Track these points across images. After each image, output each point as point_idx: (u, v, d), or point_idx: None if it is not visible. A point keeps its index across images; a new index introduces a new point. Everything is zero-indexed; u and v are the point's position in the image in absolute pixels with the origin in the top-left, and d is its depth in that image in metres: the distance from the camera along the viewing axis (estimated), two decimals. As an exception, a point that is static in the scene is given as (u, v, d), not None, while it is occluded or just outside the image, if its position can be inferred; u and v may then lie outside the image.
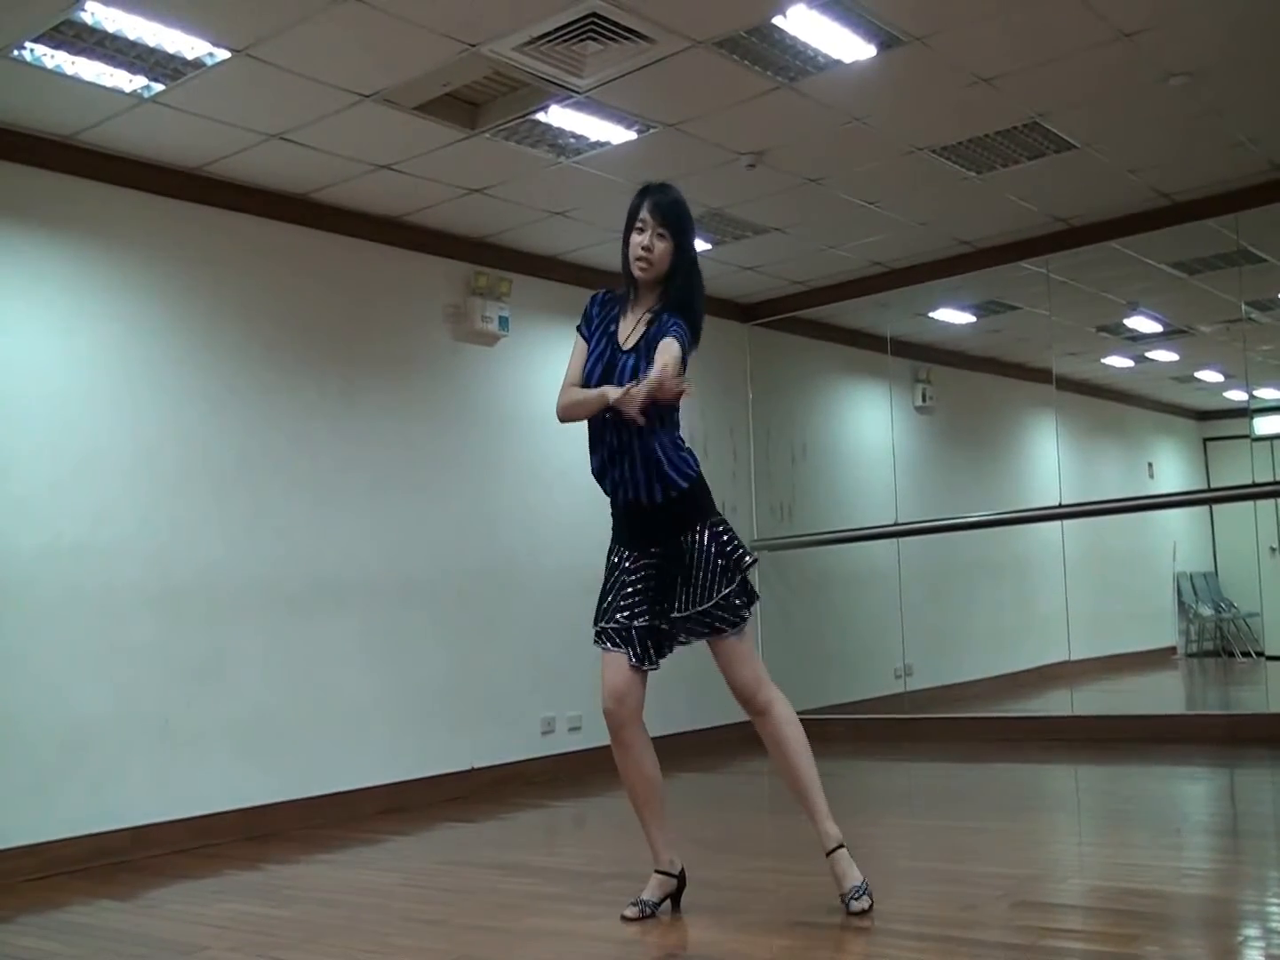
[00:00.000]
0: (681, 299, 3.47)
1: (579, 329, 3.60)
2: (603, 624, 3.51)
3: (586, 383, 3.49)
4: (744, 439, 8.38)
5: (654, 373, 3.15)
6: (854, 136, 5.50)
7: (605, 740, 6.86)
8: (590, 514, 6.90)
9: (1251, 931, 3.19)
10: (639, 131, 5.33)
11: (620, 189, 5.93)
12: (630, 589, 3.47)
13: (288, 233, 5.85)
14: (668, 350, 3.28)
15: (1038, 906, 3.45)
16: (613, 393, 3.33)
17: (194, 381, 5.43)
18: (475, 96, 5.00)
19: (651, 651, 3.49)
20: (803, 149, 5.65)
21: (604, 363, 3.47)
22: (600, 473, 3.51)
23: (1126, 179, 6.26)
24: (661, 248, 3.43)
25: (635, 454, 3.42)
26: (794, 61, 4.73)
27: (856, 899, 3.33)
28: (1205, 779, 5.88)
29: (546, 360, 7.03)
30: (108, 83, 4.58)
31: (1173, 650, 10.74)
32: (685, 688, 7.14)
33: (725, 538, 3.46)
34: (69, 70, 4.47)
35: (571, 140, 5.39)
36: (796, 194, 6.22)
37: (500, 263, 6.76)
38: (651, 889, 3.53)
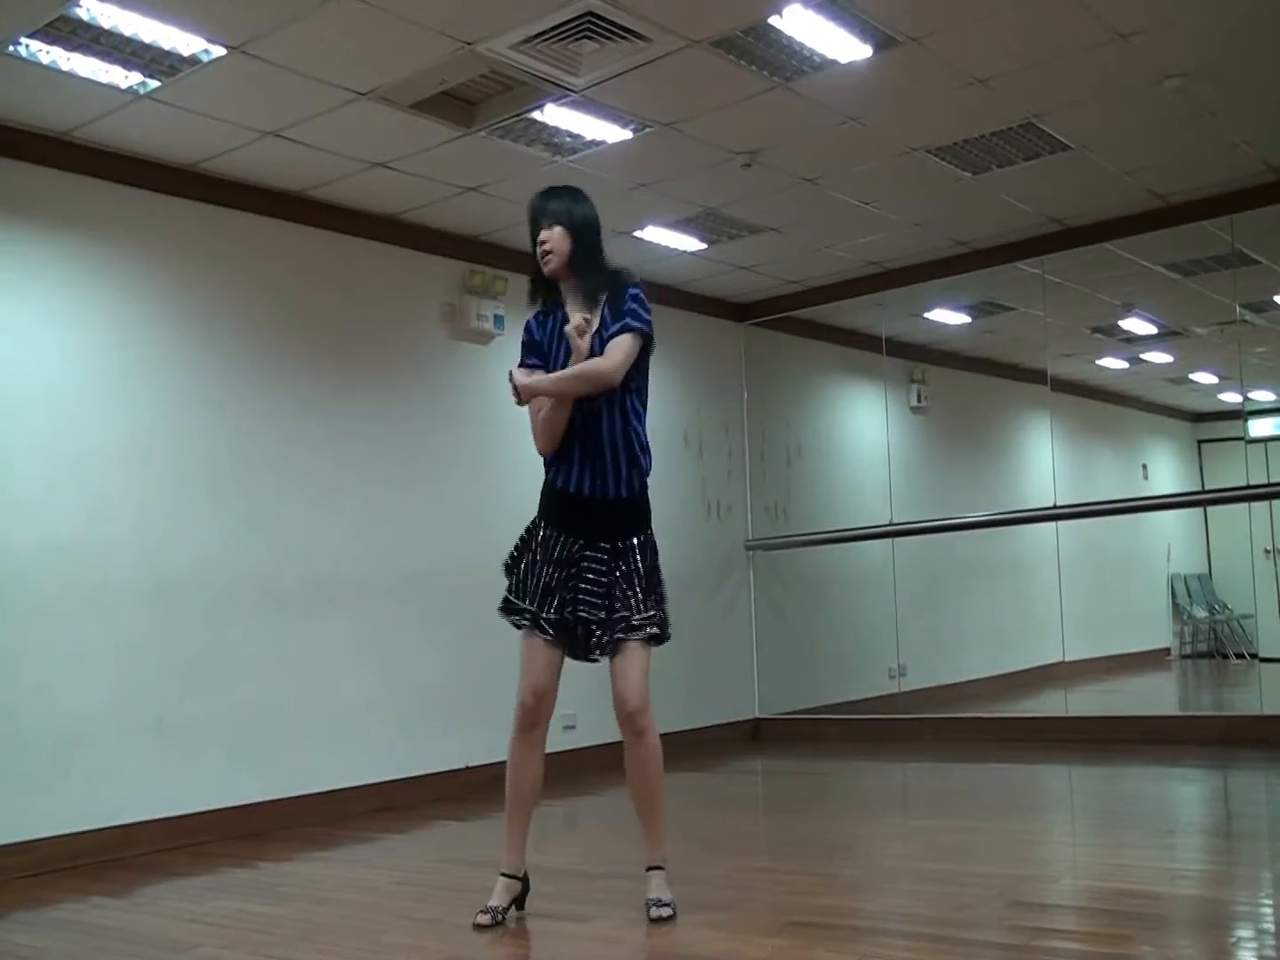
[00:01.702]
0: (590, 272, 3.57)
1: (525, 364, 3.58)
2: (542, 612, 3.49)
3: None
4: (739, 439, 8.38)
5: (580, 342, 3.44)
6: (849, 137, 5.51)
7: (599, 739, 6.91)
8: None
9: (1244, 933, 3.19)
10: (635, 131, 5.33)
11: (616, 188, 5.93)
12: (584, 587, 3.48)
13: (283, 230, 5.84)
14: (618, 346, 3.46)
15: (1031, 906, 3.45)
16: (555, 374, 3.46)
17: (189, 378, 5.42)
18: (471, 95, 5.00)
19: (590, 643, 3.52)
20: (798, 149, 5.65)
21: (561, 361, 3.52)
22: (565, 470, 3.51)
23: (1122, 180, 6.26)
24: (555, 234, 3.54)
25: (619, 445, 3.49)
26: (790, 61, 4.73)
27: (658, 906, 3.43)
28: (1198, 780, 5.88)
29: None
30: (103, 79, 4.57)
31: (1167, 652, 10.77)
32: (678, 687, 7.16)
33: (656, 559, 3.58)
34: (64, 66, 4.46)
35: (567, 139, 5.38)
36: (792, 194, 6.22)
37: (495, 261, 6.75)
38: (502, 894, 3.55)
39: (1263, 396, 8.95)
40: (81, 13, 4.11)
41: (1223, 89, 5.20)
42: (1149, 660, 10.57)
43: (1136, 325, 9.29)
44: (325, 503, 5.86)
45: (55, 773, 4.79)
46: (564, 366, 3.48)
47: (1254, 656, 10.32)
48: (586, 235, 3.58)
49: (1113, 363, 10.19)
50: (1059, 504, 7.46)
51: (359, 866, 4.63)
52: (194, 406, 5.42)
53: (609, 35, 4.42)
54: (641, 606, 3.46)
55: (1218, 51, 4.85)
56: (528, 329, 3.64)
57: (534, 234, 3.60)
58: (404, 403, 6.28)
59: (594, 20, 4.30)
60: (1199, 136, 5.73)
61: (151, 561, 5.19)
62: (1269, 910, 3.40)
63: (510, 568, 3.62)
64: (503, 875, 3.57)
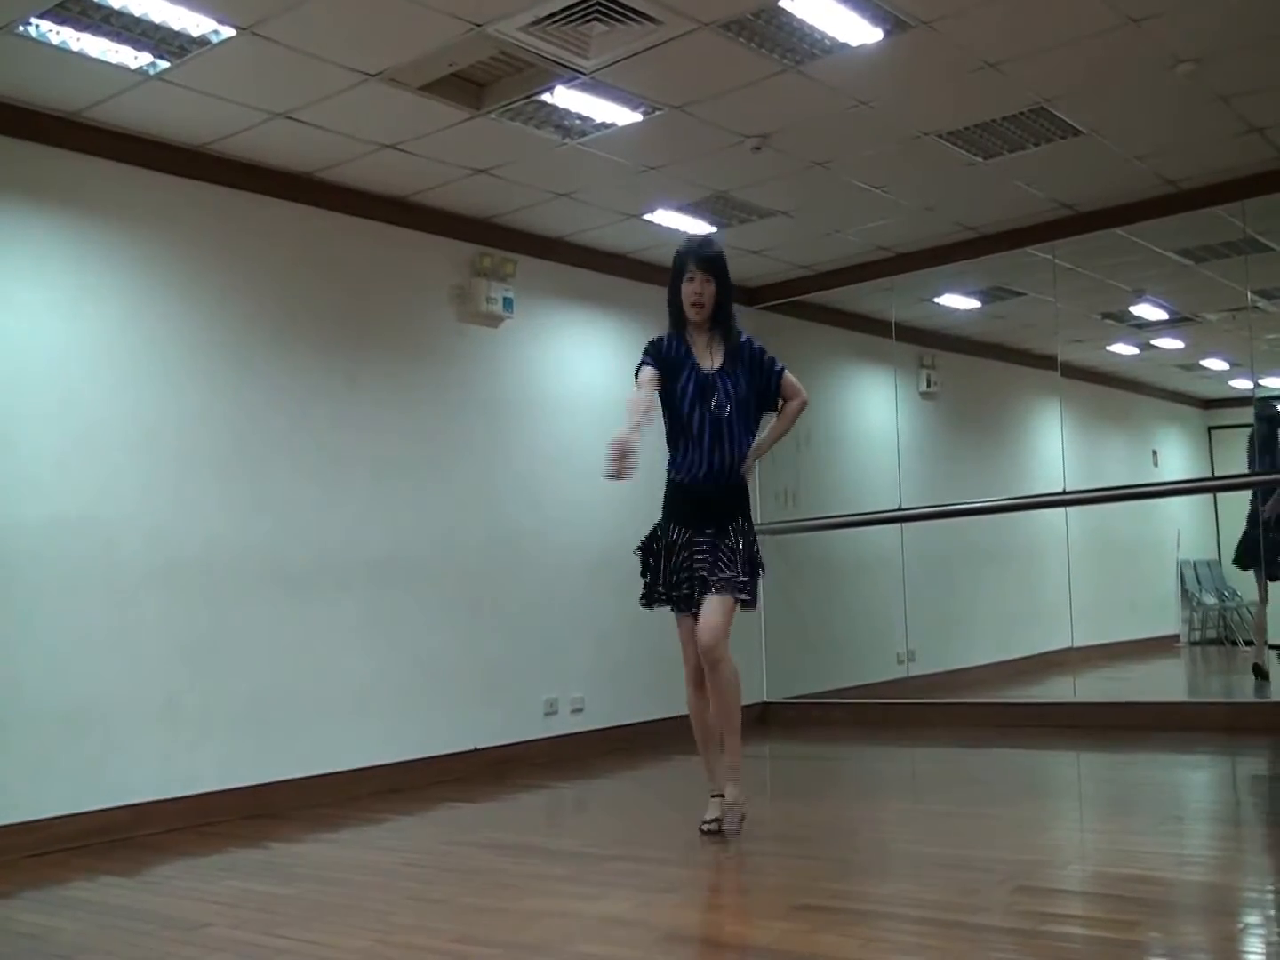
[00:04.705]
0: (729, 321, 4.45)
1: (646, 362, 4.34)
2: (672, 593, 4.33)
3: (680, 398, 4.31)
4: (748, 423, 8.35)
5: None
6: (860, 120, 5.48)
7: (607, 722, 6.90)
8: (593, 495, 6.92)
9: (1252, 918, 3.19)
10: (645, 113, 5.31)
11: (626, 171, 5.92)
12: (696, 561, 4.29)
13: (292, 212, 5.83)
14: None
15: (1039, 892, 3.45)
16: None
17: (197, 359, 5.42)
18: (481, 76, 4.99)
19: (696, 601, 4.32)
20: (809, 132, 5.63)
21: (694, 382, 4.31)
22: (698, 462, 4.30)
23: (1133, 165, 6.24)
24: (710, 291, 4.33)
25: (739, 440, 4.36)
26: (800, 44, 4.71)
27: (729, 818, 4.24)
28: (1207, 766, 5.88)
29: (551, 341, 7.03)
30: (113, 59, 4.57)
31: (1175, 638, 10.75)
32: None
33: (756, 542, 4.37)
34: (74, 46, 4.45)
35: (577, 121, 5.37)
36: (802, 177, 6.20)
37: (505, 244, 6.74)
38: (716, 809, 4.28)
39: (1273, 383, 8.90)
40: (91, -7, 4.11)
41: (1235, 74, 5.16)
42: (1158, 647, 10.54)
43: (1147, 311, 9.25)
44: (334, 484, 5.87)
45: (65, 751, 4.81)
46: (691, 381, 4.30)
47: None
48: (729, 292, 4.42)
49: (1123, 348, 10.15)
50: (1069, 489, 7.44)
51: (368, 847, 4.65)
52: (202, 387, 5.42)
53: (619, 17, 4.40)
54: (735, 570, 4.23)
55: (1229, 37, 4.82)
56: (655, 344, 4.38)
57: (680, 279, 4.33)
58: (412, 385, 6.28)
59: (604, 2, 4.29)
60: (1210, 122, 5.70)
61: (161, 541, 5.20)
62: (1276, 897, 3.40)
63: (643, 558, 4.42)
64: (714, 796, 4.35)
